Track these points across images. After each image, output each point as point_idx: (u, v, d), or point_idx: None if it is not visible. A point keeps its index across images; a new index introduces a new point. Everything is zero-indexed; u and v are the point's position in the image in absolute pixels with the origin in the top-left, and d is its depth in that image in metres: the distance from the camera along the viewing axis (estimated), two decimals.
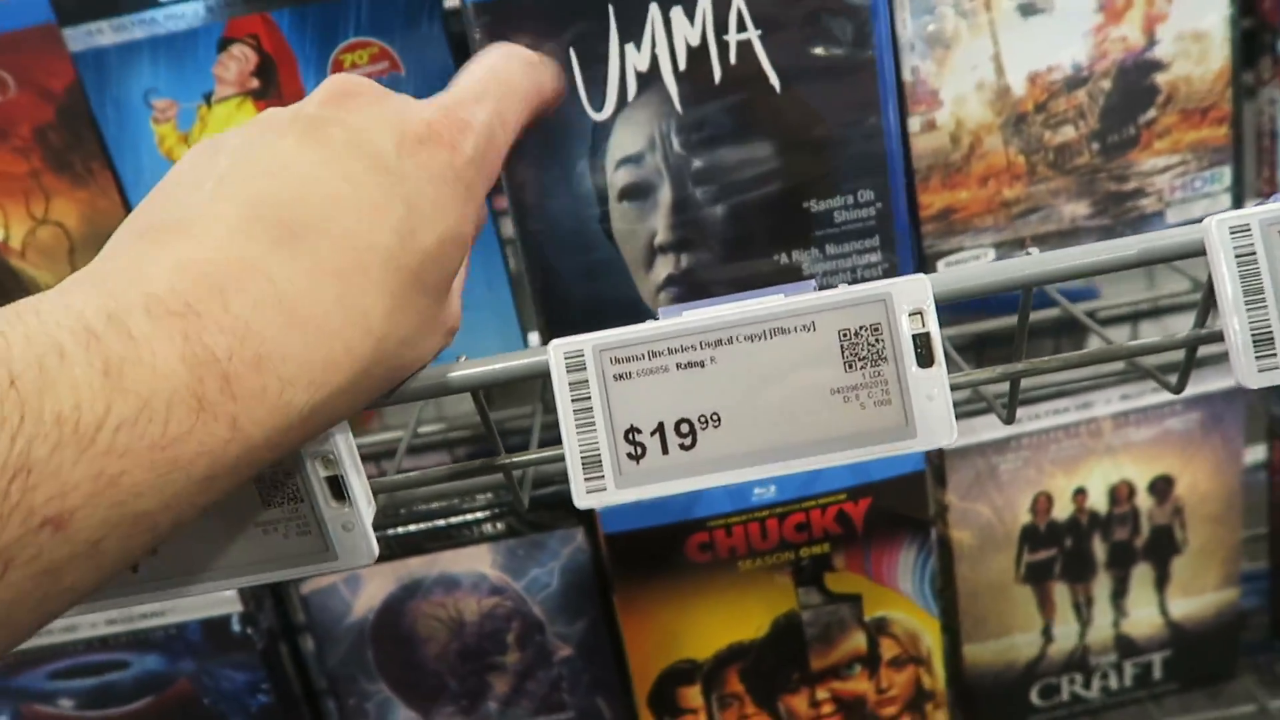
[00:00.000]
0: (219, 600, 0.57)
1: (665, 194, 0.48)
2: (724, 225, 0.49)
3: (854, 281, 0.50)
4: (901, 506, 0.58)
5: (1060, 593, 0.65)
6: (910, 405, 0.31)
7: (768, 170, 0.48)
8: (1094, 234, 0.55)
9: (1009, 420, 0.40)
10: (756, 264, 0.49)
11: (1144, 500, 0.63)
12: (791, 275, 0.50)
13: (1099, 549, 0.64)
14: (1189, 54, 0.53)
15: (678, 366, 0.32)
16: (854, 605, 0.61)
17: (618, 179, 0.48)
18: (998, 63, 0.51)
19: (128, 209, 0.54)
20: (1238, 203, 0.56)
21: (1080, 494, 0.62)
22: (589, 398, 0.32)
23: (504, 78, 0.38)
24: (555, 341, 0.32)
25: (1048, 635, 0.66)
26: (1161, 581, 0.65)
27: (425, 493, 0.63)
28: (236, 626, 0.58)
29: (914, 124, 0.52)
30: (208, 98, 0.52)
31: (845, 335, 0.32)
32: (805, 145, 0.47)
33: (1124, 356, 0.37)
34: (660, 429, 0.32)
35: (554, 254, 0.49)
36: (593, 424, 0.32)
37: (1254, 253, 0.32)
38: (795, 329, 0.32)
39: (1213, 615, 0.66)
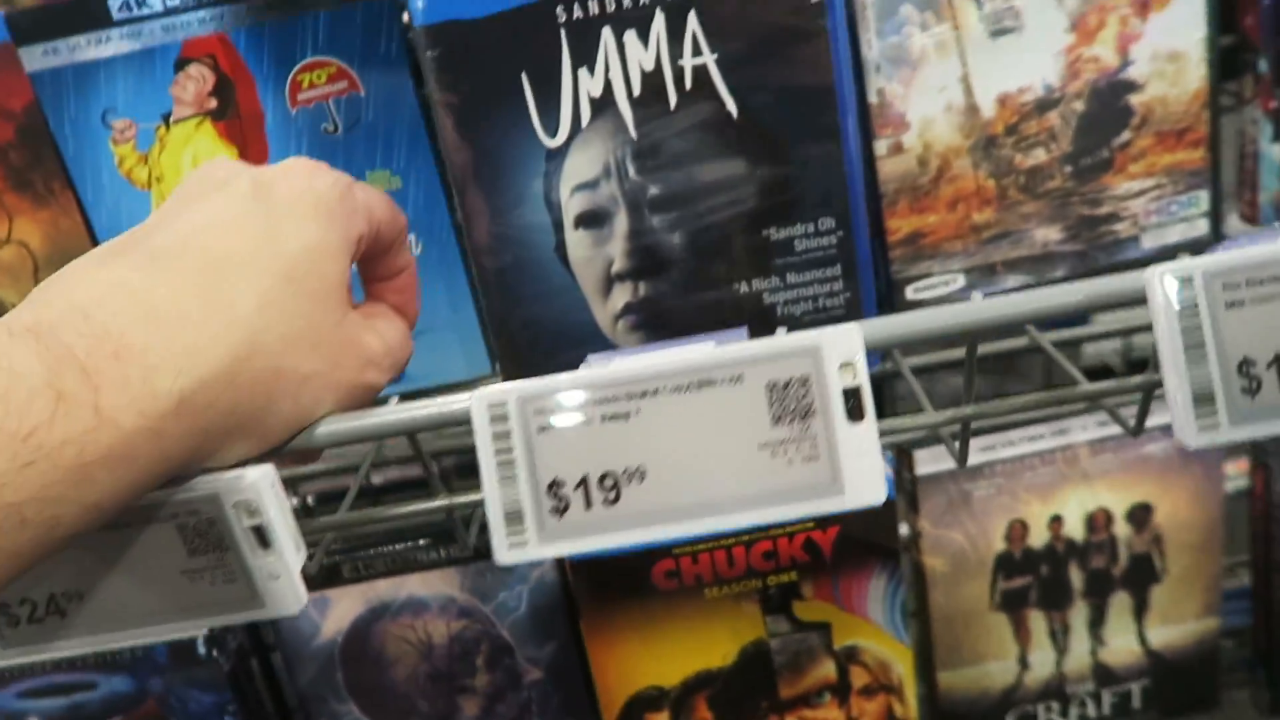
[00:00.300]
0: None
1: (621, 221, 0.47)
2: (682, 253, 0.48)
3: (816, 311, 0.49)
4: (871, 535, 0.57)
5: (1036, 620, 0.64)
6: (839, 462, 0.31)
7: (726, 197, 0.47)
8: (1067, 259, 0.54)
9: (961, 463, 0.39)
10: (716, 292, 0.48)
11: (1122, 528, 0.62)
12: (752, 304, 0.49)
13: (1076, 577, 0.63)
14: (1164, 74, 0.51)
15: (602, 419, 0.31)
16: (823, 633, 0.60)
17: (573, 206, 0.47)
18: (966, 84, 0.50)
19: (89, 228, 0.54)
20: (1215, 227, 0.54)
21: (1056, 521, 0.61)
22: (511, 450, 0.31)
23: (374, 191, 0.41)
24: (478, 391, 0.31)
25: (1024, 663, 0.65)
26: (1140, 610, 0.64)
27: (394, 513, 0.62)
28: (202, 649, 0.58)
29: (880, 147, 0.50)
30: (166, 118, 0.51)
31: (773, 388, 0.31)
32: (763, 171, 0.46)
33: (1079, 399, 0.36)
34: (584, 483, 0.31)
35: (509, 282, 0.48)
36: (515, 477, 0.31)
37: (1196, 306, 0.30)
38: (722, 381, 0.31)
39: (1193, 644, 0.65)
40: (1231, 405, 0.30)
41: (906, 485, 0.60)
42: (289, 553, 0.33)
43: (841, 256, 0.48)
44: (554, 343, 0.49)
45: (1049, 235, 0.53)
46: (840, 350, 0.31)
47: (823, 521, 0.57)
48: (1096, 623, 0.64)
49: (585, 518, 0.31)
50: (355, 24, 0.50)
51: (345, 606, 0.61)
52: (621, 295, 0.48)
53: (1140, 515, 0.61)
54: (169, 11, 0.49)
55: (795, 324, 0.49)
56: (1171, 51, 0.51)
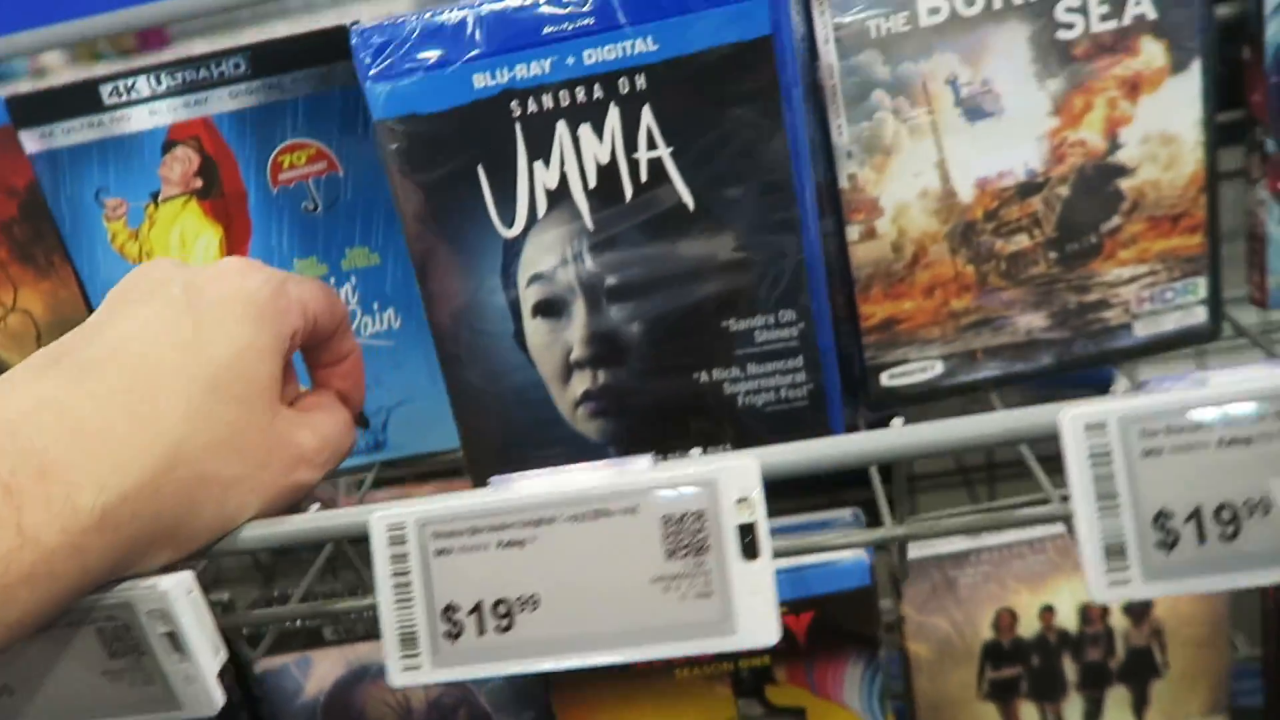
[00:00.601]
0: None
1: (579, 310, 0.47)
2: (640, 342, 0.47)
3: (779, 401, 0.48)
4: (847, 622, 0.55)
5: (1028, 711, 0.61)
6: (731, 600, 0.30)
7: (684, 288, 0.46)
8: (1052, 347, 0.52)
9: (902, 578, 0.38)
10: (676, 382, 0.48)
11: (1119, 620, 0.59)
12: (714, 394, 0.48)
13: (1069, 669, 0.60)
14: (1157, 158, 0.49)
15: (499, 545, 0.31)
16: (797, 719, 0.59)
17: (530, 295, 0.47)
18: (943, 169, 0.49)
19: (86, 300, 0.56)
20: (1215, 314, 0.52)
21: (1048, 611, 0.59)
22: (409, 572, 0.31)
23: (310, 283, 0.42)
24: (378, 513, 0.31)
25: None
26: (1140, 705, 0.61)
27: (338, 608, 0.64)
28: None
29: (852, 232, 0.49)
30: (155, 197, 0.53)
31: (669, 521, 0.30)
32: (721, 264, 0.46)
33: (1006, 526, 0.35)
34: (478, 609, 0.31)
35: (470, 370, 0.48)
36: (411, 600, 0.31)
37: (1109, 453, 0.29)
38: (617, 511, 0.30)
39: None
40: (1146, 559, 0.29)
41: (893, 569, 0.59)
42: (204, 657, 0.34)
43: (803, 348, 0.47)
44: (514, 429, 0.49)
45: (1033, 322, 0.51)
46: (737, 485, 0.30)
47: (796, 605, 0.56)
48: (1092, 716, 0.61)
49: (478, 644, 0.31)
50: (333, 107, 0.51)
51: (327, 667, 0.62)
52: (581, 383, 0.48)
53: (1138, 607, 0.59)
54: (155, 97, 0.51)
55: (758, 414, 0.48)
56: (1164, 134, 0.49)
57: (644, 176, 0.44)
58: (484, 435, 0.49)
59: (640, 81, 0.43)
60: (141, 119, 0.51)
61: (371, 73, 0.43)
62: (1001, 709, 0.61)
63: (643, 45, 0.42)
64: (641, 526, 0.30)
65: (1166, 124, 0.48)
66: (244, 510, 0.36)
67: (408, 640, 0.31)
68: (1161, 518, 0.28)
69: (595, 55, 0.42)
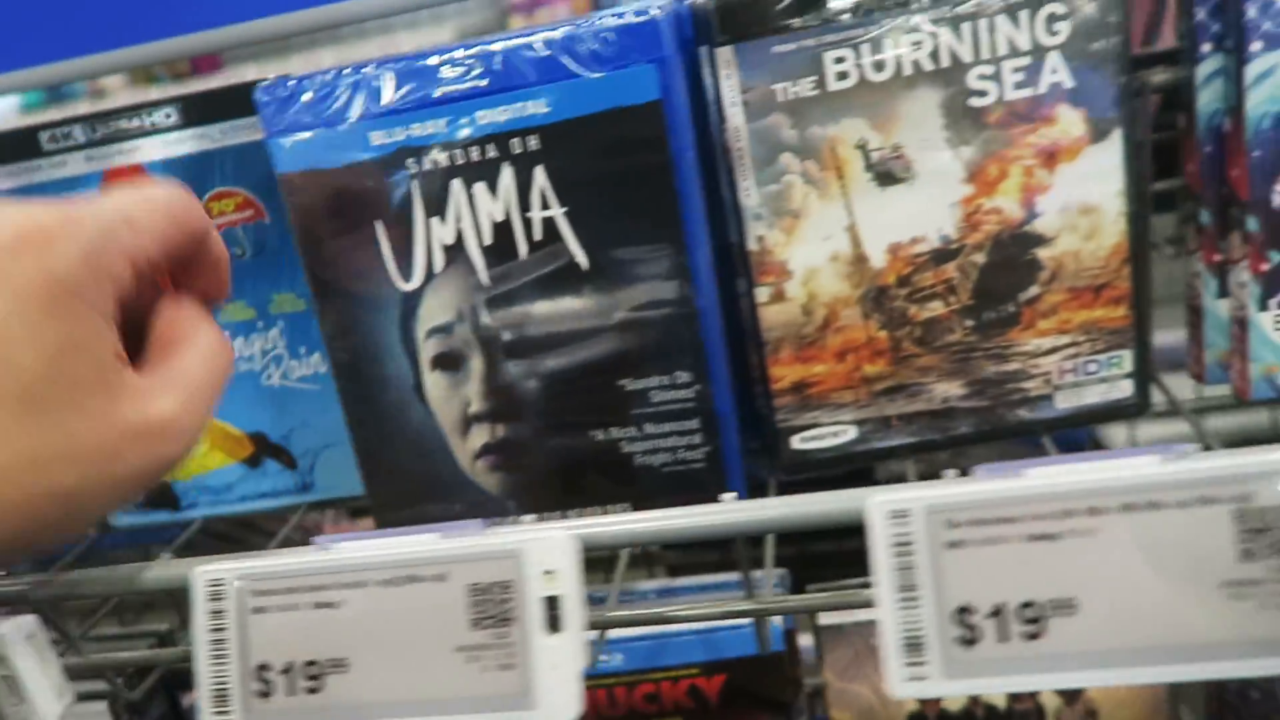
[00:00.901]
0: (94, 713, 0.60)
1: (477, 364, 0.47)
2: (538, 399, 0.48)
3: (675, 463, 0.48)
4: (759, 687, 0.55)
5: None
6: (532, 673, 0.30)
7: (579, 346, 0.47)
8: (970, 416, 0.51)
9: (762, 649, 0.37)
10: (574, 439, 0.48)
11: (1050, 699, 0.57)
12: (609, 453, 0.48)
13: None
14: (1077, 228, 0.48)
15: (313, 605, 0.31)
16: None
17: (429, 348, 0.47)
18: (853, 233, 0.48)
19: None
20: (1142, 389, 0.51)
21: None
22: (225, 629, 0.32)
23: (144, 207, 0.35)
24: (200, 568, 0.32)
25: None
26: None
27: None
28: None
29: (762, 294, 0.49)
30: None
31: (475, 590, 0.30)
32: (616, 323, 0.46)
33: (798, 609, 0.35)
34: (289, 670, 0.31)
35: (372, 420, 0.49)
36: (228, 656, 0.31)
37: (912, 543, 0.28)
38: (428, 578, 0.31)
39: None
40: (946, 655, 0.28)
41: (815, 634, 0.58)
42: (43, 702, 0.35)
43: (699, 410, 0.47)
44: (416, 479, 0.50)
45: (949, 390, 0.50)
46: (543, 557, 0.30)
47: (709, 668, 0.55)
48: None
49: (289, 703, 0.32)
50: (260, 157, 0.52)
51: None
52: (480, 436, 0.48)
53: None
54: (91, 144, 0.53)
55: (655, 475, 0.48)
56: (1084, 204, 0.48)
57: (538, 235, 0.45)
58: (388, 485, 0.49)
59: (533, 142, 0.43)
60: (78, 165, 0.53)
61: (275, 128, 0.44)
62: None
63: (534, 107, 0.43)
64: (450, 594, 0.30)
65: (1086, 194, 0.47)
66: (95, 509, 0.33)
67: (219, 698, 0.32)
68: (964, 612, 0.28)
69: (488, 116, 0.43)
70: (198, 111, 0.50)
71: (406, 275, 0.45)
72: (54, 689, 0.35)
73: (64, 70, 0.56)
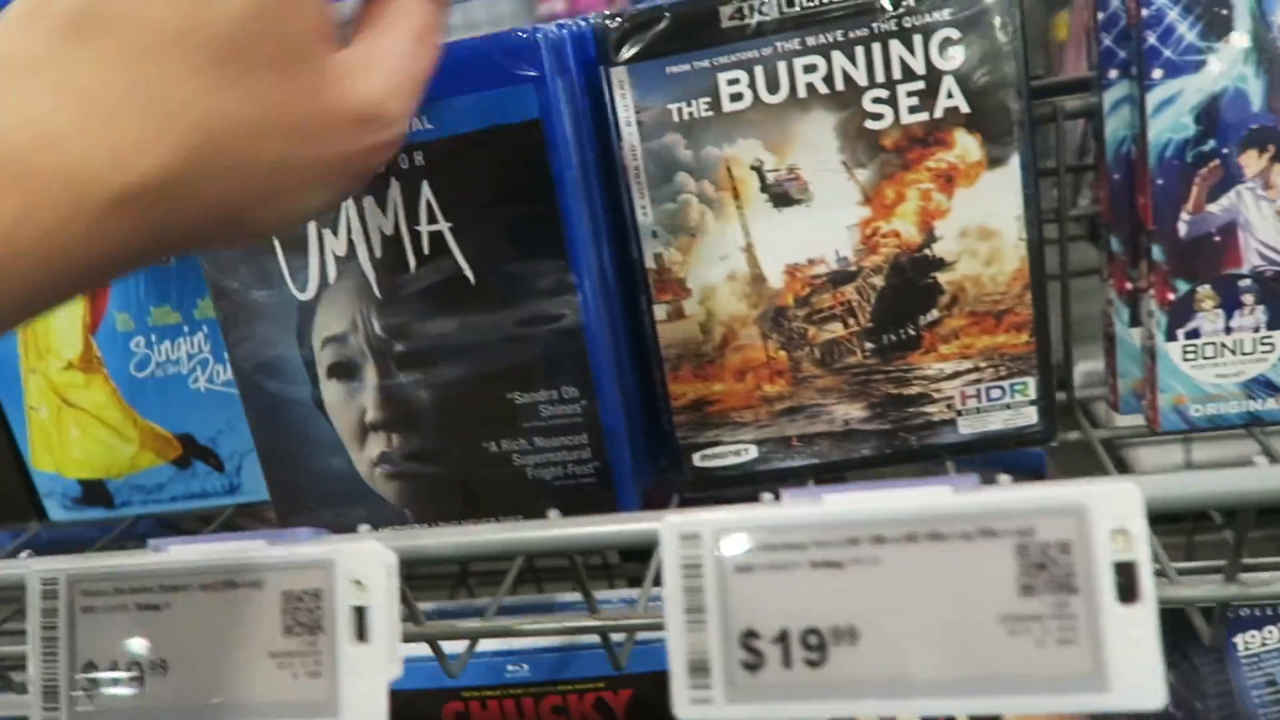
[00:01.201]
0: (18, 703, 0.62)
1: (371, 374, 0.49)
2: (430, 409, 0.49)
3: (566, 477, 0.49)
4: (666, 702, 0.55)
5: None
6: (339, 682, 0.31)
7: (470, 359, 0.47)
8: (871, 438, 0.51)
9: (615, 667, 0.38)
10: (466, 450, 0.49)
11: None
12: (501, 464, 0.49)
13: None
14: (976, 253, 0.48)
15: (139, 607, 0.33)
16: None
17: (325, 357, 0.49)
18: (750, 254, 0.49)
19: None
20: (1047, 416, 0.50)
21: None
22: (56, 628, 0.33)
23: None
24: (35, 566, 0.33)
25: None
26: None
27: None
28: None
29: (660, 311, 0.50)
30: None
31: (288, 597, 0.32)
32: (504, 337, 0.47)
33: (586, 630, 0.35)
34: (114, 668, 0.33)
35: (274, 427, 0.50)
36: (56, 654, 0.33)
37: (700, 565, 0.29)
38: (244, 584, 0.32)
39: None
40: (730, 679, 0.29)
41: None
42: None
43: (587, 425, 0.47)
44: (317, 486, 0.51)
45: (851, 412, 0.50)
46: (353, 568, 0.31)
47: (614, 682, 0.56)
48: None
49: (111, 702, 0.33)
50: None
51: None
52: (376, 444, 0.50)
53: None
54: None
55: (546, 488, 0.49)
56: (983, 229, 0.48)
57: (426, 249, 0.46)
58: (290, 491, 0.51)
59: (419, 158, 0.44)
60: None
61: None
62: None
63: (418, 124, 0.44)
64: (265, 602, 0.31)
65: (985, 218, 0.47)
66: (310, 196, 0.32)
67: (50, 694, 0.33)
68: (749, 637, 0.28)
69: None
70: None
71: (302, 286, 0.47)
72: None
73: None
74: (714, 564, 0.28)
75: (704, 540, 0.28)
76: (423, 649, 0.43)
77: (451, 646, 0.47)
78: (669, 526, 0.28)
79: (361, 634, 0.30)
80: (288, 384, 0.48)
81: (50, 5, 0.29)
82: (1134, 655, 0.26)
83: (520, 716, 0.56)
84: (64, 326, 0.58)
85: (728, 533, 0.28)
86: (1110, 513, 0.26)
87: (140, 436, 0.60)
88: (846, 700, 0.27)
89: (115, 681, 0.32)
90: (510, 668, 0.55)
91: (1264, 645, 0.53)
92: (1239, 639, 0.54)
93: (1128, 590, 0.26)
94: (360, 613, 0.31)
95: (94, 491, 0.62)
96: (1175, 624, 0.53)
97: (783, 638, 0.28)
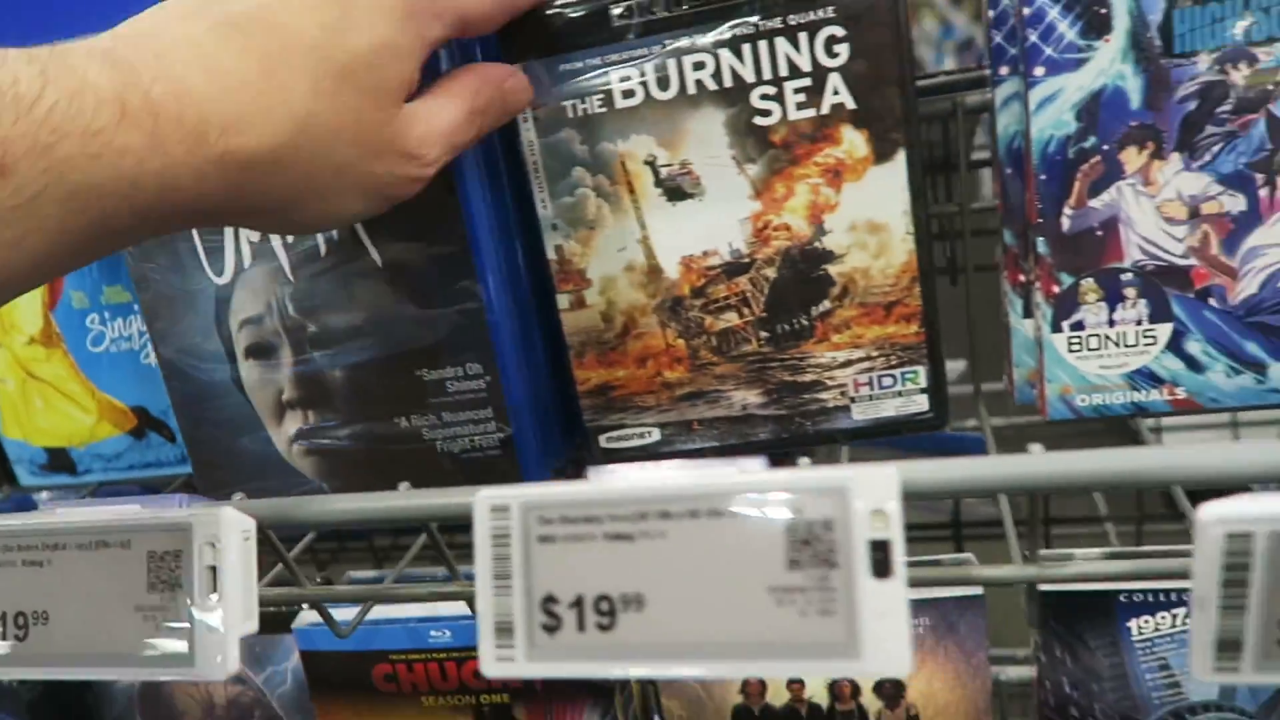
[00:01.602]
0: None
1: (286, 354, 0.52)
2: (343, 387, 0.52)
3: (473, 450, 0.52)
4: None
5: None
6: (195, 635, 0.34)
7: (377, 339, 0.51)
8: (769, 423, 0.53)
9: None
10: (379, 426, 0.52)
11: (871, 701, 0.59)
12: (413, 439, 0.52)
13: None
14: (865, 246, 0.50)
15: (23, 564, 0.36)
16: None
17: (242, 338, 0.52)
18: (646, 245, 0.51)
19: None
20: (938, 403, 0.52)
21: (796, 683, 0.60)
22: None
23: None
24: None
25: None
26: None
27: None
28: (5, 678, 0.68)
29: (563, 300, 0.52)
30: None
31: (153, 557, 0.35)
32: (410, 318, 0.50)
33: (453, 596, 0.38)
34: (3, 620, 0.36)
35: (195, 406, 0.54)
36: None
37: (508, 535, 0.32)
38: (114, 544, 0.35)
39: None
40: (531, 640, 0.31)
41: None
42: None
43: (491, 400, 0.50)
44: (238, 463, 0.54)
45: (748, 398, 0.53)
46: (207, 531, 0.35)
47: None
48: None
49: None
50: None
51: None
52: (293, 422, 0.53)
53: (890, 690, 0.59)
54: None
55: (456, 460, 0.52)
56: (871, 223, 0.50)
57: (335, 233, 0.49)
58: (211, 468, 0.54)
59: None
60: None
61: None
62: None
63: None
64: (131, 561, 0.35)
65: (873, 212, 0.49)
66: (354, 201, 0.40)
67: None
68: (549, 602, 0.31)
69: None
70: None
71: (219, 270, 0.50)
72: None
73: None
74: (520, 535, 0.31)
75: (512, 512, 0.31)
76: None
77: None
78: (481, 500, 0.31)
79: (213, 587, 0.34)
80: (208, 365, 0.51)
81: (221, 4, 0.36)
82: (885, 626, 0.28)
83: (444, 678, 0.59)
84: (25, 304, 0.62)
85: (533, 507, 0.31)
86: (869, 495, 0.29)
87: (99, 408, 0.64)
88: (631, 662, 0.30)
89: (3, 633, 0.36)
90: (433, 633, 0.59)
91: (1157, 630, 0.55)
92: (1133, 624, 0.55)
93: (882, 566, 0.29)
94: (211, 571, 0.34)
95: (58, 459, 0.66)
96: (1073, 610, 0.55)
97: (578, 603, 0.31)
